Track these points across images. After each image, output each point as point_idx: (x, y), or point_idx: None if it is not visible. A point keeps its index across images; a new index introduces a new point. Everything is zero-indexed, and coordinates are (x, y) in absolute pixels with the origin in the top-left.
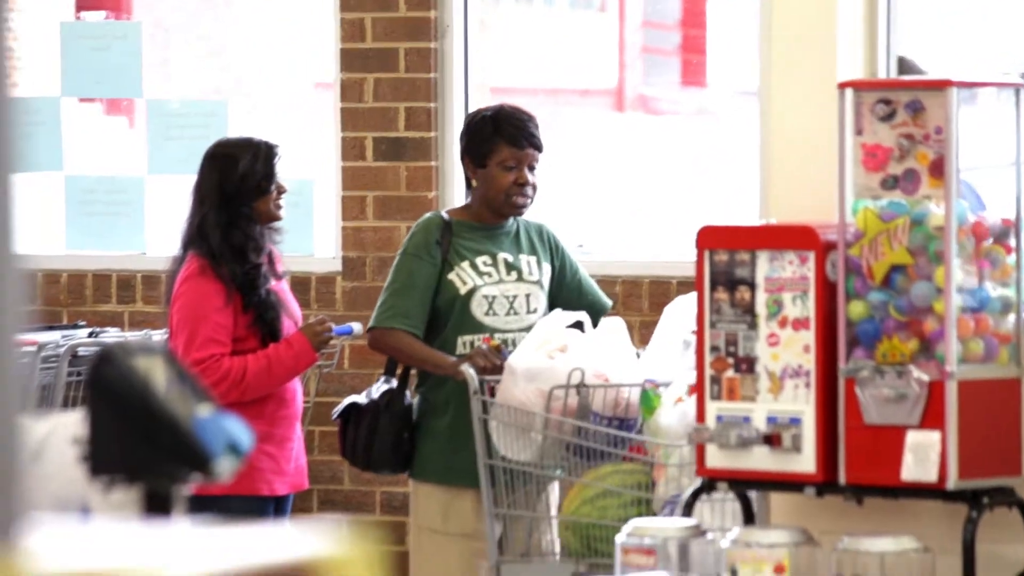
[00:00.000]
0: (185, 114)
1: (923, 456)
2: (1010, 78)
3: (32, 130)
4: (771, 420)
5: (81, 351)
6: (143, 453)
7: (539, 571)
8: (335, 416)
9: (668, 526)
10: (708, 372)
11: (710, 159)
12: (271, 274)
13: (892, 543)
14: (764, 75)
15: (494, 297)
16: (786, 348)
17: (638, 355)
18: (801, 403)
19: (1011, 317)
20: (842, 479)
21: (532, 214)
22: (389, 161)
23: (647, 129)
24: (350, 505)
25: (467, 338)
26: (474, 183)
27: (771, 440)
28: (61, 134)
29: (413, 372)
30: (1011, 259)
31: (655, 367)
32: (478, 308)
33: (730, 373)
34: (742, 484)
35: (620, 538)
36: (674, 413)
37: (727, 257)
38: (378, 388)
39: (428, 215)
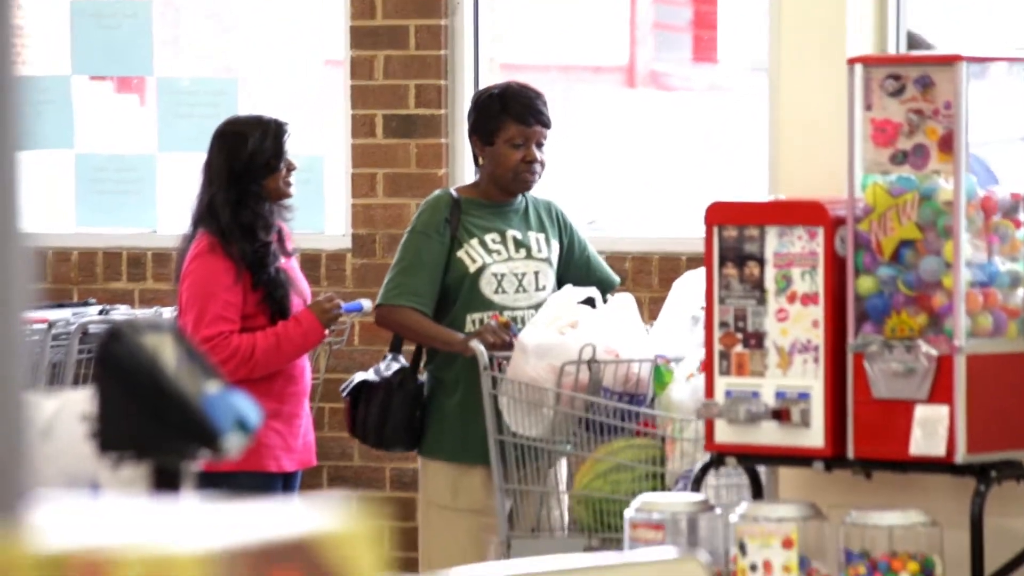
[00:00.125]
0: (195, 92)
1: (931, 430)
2: (1022, 53)
3: (42, 108)
4: (780, 395)
5: (92, 329)
6: (152, 430)
7: (550, 546)
8: (345, 394)
9: (677, 501)
10: (717, 347)
11: (722, 135)
12: (280, 252)
13: (900, 517)
14: (773, 51)
15: (503, 275)
16: (795, 323)
17: (647, 331)
18: (810, 378)
19: (1020, 291)
20: (850, 453)
21: (543, 191)
22: (399, 138)
23: (659, 105)
24: (360, 481)
25: (476, 316)
26: (482, 161)
27: (780, 415)
28: (72, 112)
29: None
30: (1020, 233)
31: (664, 342)
32: (487, 286)
33: (739, 348)
34: (751, 459)
35: (629, 513)
36: (686, 388)
37: (736, 233)
38: (387, 366)
39: (436, 192)
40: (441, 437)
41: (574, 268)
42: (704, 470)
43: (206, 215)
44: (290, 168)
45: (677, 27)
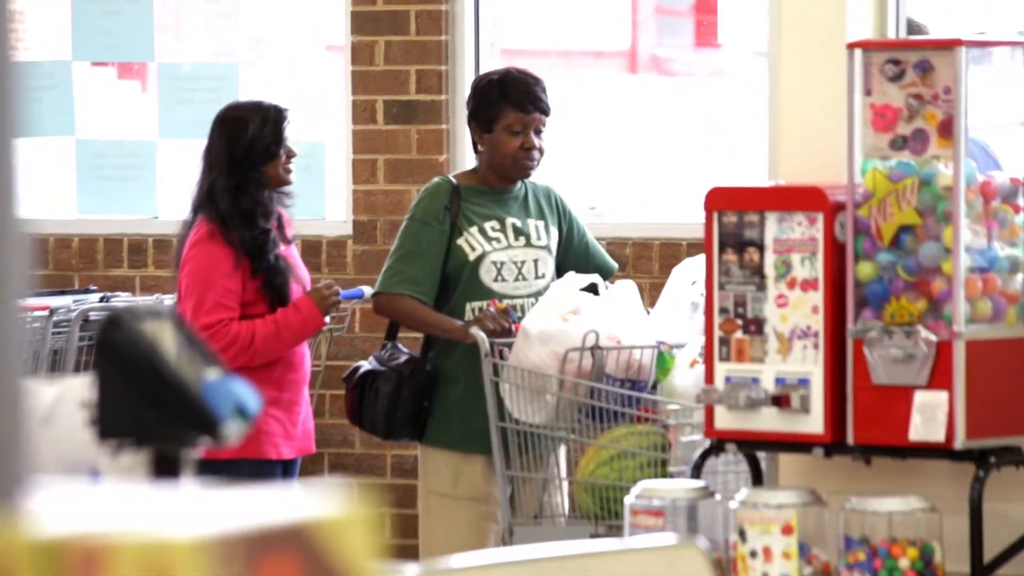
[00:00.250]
0: (196, 77)
1: (931, 416)
2: (1021, 37)
3: (43, 94)
4: (780, 381)
5: (92, 316)
6: (151, 417)
7: (553, 533)
8: (351, 384)
9: (676, 488)
10: (717, 334)
11: (724, 120)
12: (280, 238)
13: (900, 503)
14: (773, 36)
15: (503, 263)
16: (795, 309)
17: (649, 317)
18: (809, 364)
19: (1019, 277)
20: (850, 439)
21: (544, 177)
22: (400, 124)
23: (660, 91)
24: (361, 469)
25: (475, 304)
26: (480, 148)
27: (779, 401)
28: (73, 98)
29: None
30: (1019, 219)
31: (663, 328)
32: (487, 274)
33: (739, 334)
34: (751, 445)
35: (629, 500)
36: (690, 375)
37: (736, 219)
38: (390, 355)
39: (436, 180)
40: (441, 426)
41: (573, 255)
42: (704, 456)
43: (206, 202)
44: (290, 155)
45: (679, 12)
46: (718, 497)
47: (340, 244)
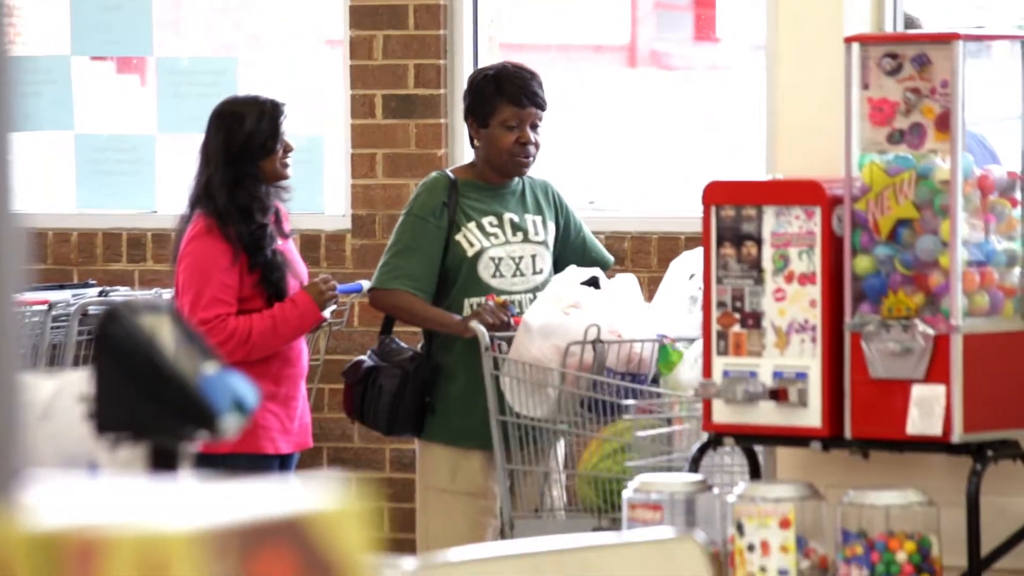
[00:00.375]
0: (195, 72)
1: (928, 410)
2: (1018, 31)
3: (42, 89)
4: (777, 375)
5: (91, 310)
6: (149, 411)
7: (555, 526)
8: (354, 380)
9: (674, 481)
10: (714, 327)
11: (723, 115)
12: (278, 233)
13: (897, 496)
14: (771, 30)
15: (500, 259)
16: (792, 303)
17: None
18: (807, 358)
19: (1016, 270)
20: (848, 433)
21: (543, 171)
22: (398, 118)
23: (660, 85)
24: (359, 463)
25: (474, 300)
26: (477, 143)
27: (777, 395)
28: (71, 93)
29: (413, 331)
30: (1017, 212)
31: (661, 322)
32: (485, 270)
33: (736, 328)
34: (748, 439)
35: (627, 493)
36: (696, 369)
37: (733, 212)
38: (393, 350)
39: (433, 175)
40: (440, 421)
41: (570, 248)
42: (702, 450)
43: (203, 196)
44: (287, 149)
45: (678, 6)
46: (716, 491)
47: (339, 238)
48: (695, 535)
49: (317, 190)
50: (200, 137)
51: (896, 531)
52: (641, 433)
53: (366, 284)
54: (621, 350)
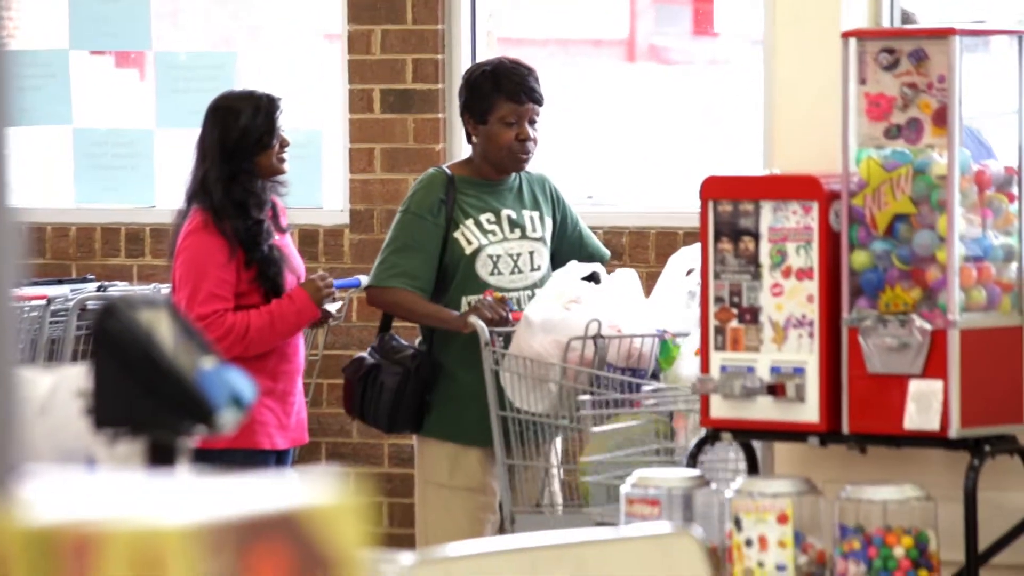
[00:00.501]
0: (193, 66)
1: (925, 405)
2: (1016, 26)
3: (41, 83)
4: (775, 370)
5: (90, 305)
6: (147, 405)
7: (556, 521)
8: (356, 378)
9: (672, 477)
10: (712, 323)
11: (722, 109)
12: (275, 228)
13: (895, 491)
14: (768, 25)
15: (499, 256)
16: (790, 298)
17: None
18: (805, 353)
19: (1013, 265)
20: (845, 428)
21: (542, 165)
22: (396, 113)
23: (658, 79)
24: (358, 458)
25: (471, 298)
26: (475, 139)
27: (775, 390)
28: (70, 87)
29: (407, 326)
30: (1013, 207)
31: (659, 317)
32: (483, 268)
33: (734, 323)
34: (746, 434)
35: (625, 488)
36: (694, 364)
37: (731, 207)
38: (390, 347)
39: (430, 171)
40: (438, 417)
41: (567, 243)
42: (699, 445)
43: (199, 192)
44: (283, 144)
45: (677, 0)
46: (714, 486)
47: (337, 233)
48: (692, 530)
49: (315, 185)
50: (198, 132)
51: (894, 526)
52: (596, 429)
53: (364, 279)
54: (622, 345)
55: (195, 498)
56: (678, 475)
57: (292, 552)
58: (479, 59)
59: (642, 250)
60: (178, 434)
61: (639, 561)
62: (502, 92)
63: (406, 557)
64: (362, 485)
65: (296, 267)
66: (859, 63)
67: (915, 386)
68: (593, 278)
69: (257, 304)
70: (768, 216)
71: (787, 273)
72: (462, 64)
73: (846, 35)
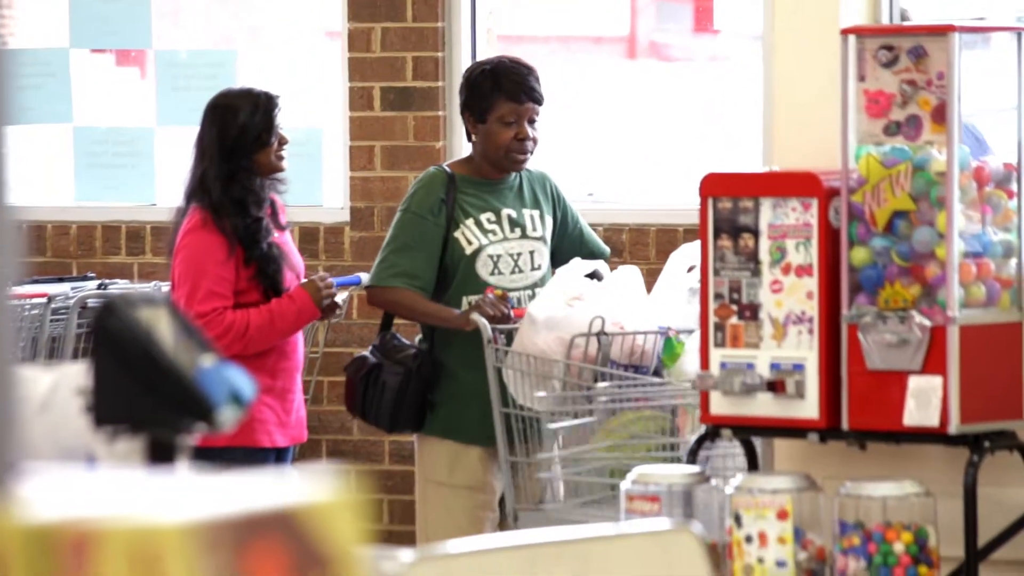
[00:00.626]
0: (194, 64)
1: (925, 401)
2: (1016, 22)
3: (41, 81)
4: (775, 367)
5: (91, 303)
6: (147, 403)
7: (559, 518)
8: (357, 378)
9: (672, 473)
10: (712, 319)
11: (723, 106)
12: (274, 226)
13: (894, 487)
14: (767, 21)
15: (499, 256)
16: (789, 295)
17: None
18: (804, 349)
19: (1013, 262)
20: (845, 425)
21: (542, 162)
22: (397, 111)
23: (659, 76)
24: (359, 455)
25: (472, 298)
26: (475, 137)
27: (775, 386)
28: (70, 85)
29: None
30: (1013, 204)
31: (661, 314)
32: (483, 268)
33: (734, 320)
34: (746, 431)
35: (625, 485)
36: (698, 360)
37: (731, 204)
38: (391, 347)
39: (431, 170)
40: (438, 415)
41: (568, 241)
42: (699, 442)
43: (198, 190)
44: (282, 142)
45: None
46: (714, 482)
47: (337, 231)
48: (692, 526)
49: (315, 183)
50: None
51: (893, 522)
52: (552, 425)
53: (365, 276)
54: (625, 342)
55: (193, 496)
56: (678, 471)
57: (290, 549)
58: (479, 57)
59: (642, 247)
60: (178, 432)
61: (639, 557)
62: (501, 91)
63: (406, 554)
64: (362, 483)
65: (295, 265)
66: (858, 60)
67: (914, 382)
68: (595, 276)
69: (256, 302)
70: (768, 213)
71: (787, 270)
72: (462, 62)
73: (845, 32)
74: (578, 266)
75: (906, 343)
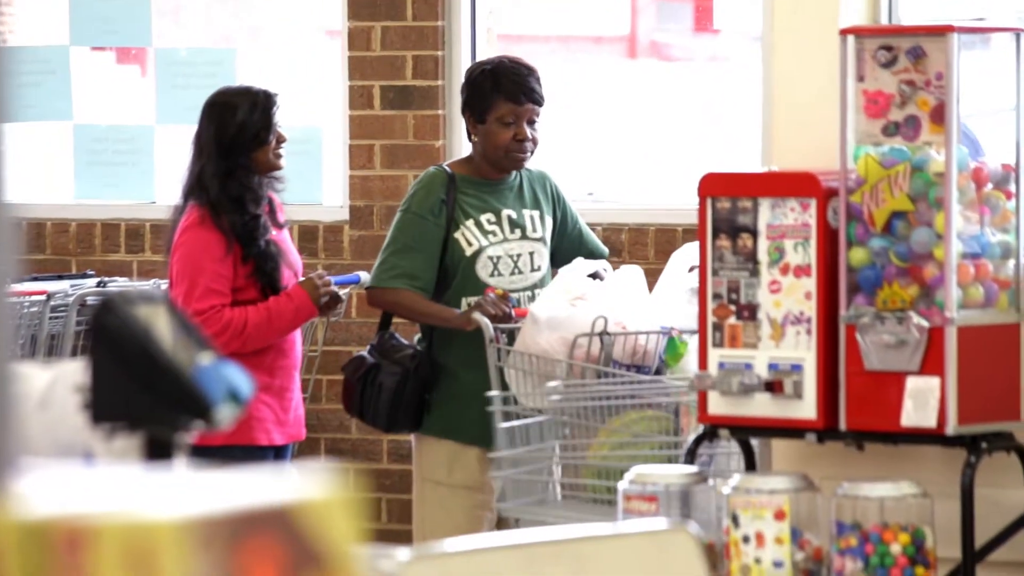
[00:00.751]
0: (194, 63)
1: (923, 402)
2: (1016, 23)
3: (41, 79)
4: (773, 367)
5: (90, 300)
6: (144, 401)
7: (559, 517)
8: (355, 378)
9: (670, 473)
10: (710, 319)
11: (723, 106)
12: (271, 223)
13: (892, 488)
14: (767, 22)
15: (499, 257)
16: (787, 295)
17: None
18: (802, 350)
19: (1011, 263)
20: (843, 425)
21: (542, 162)
22: (396, 110)
23: (660, 76)
24: (357, 454)
25: (471, 299)
26: (475, 137)
27: (772, 387)
28: (70, 83)
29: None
30: (1011, 205)
31: (663, 314)
32: (483, 269)
33: (732, 320)
34: (744, 431)
35: (622, 485)
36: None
37: (729, 204)
38: (389, 346)
39: (431, 170)
40: (437, 415)
41: (567, 240)
42: (697, 442)
43: (196, 187)
44: (280, 140)
45: None
46: (711, 483)
47: (337, 229)
48: (688, 526)
49: (315, 181)
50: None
51: (890, 523)
52: (503, 425)
53: (364, 275)
54: (627, 342)
55: (188, 492)
56: (676, 471)
57: (284, 547)
58: (479, 56)
59: (641, 247)
60: (176, 429)
61: (636, 557)
62: (501, 92)
63: (403, 553)
64: (361, 481)
65: (293, 262)
66: (857, 60)
67: (912, 383)
68: (595, 276)
69: (254, 299)
70: (766, 213)
71: (785, 270)
72: (462, 61)
73: (844, 32)
74: (581, 266)
75: (904, 344)
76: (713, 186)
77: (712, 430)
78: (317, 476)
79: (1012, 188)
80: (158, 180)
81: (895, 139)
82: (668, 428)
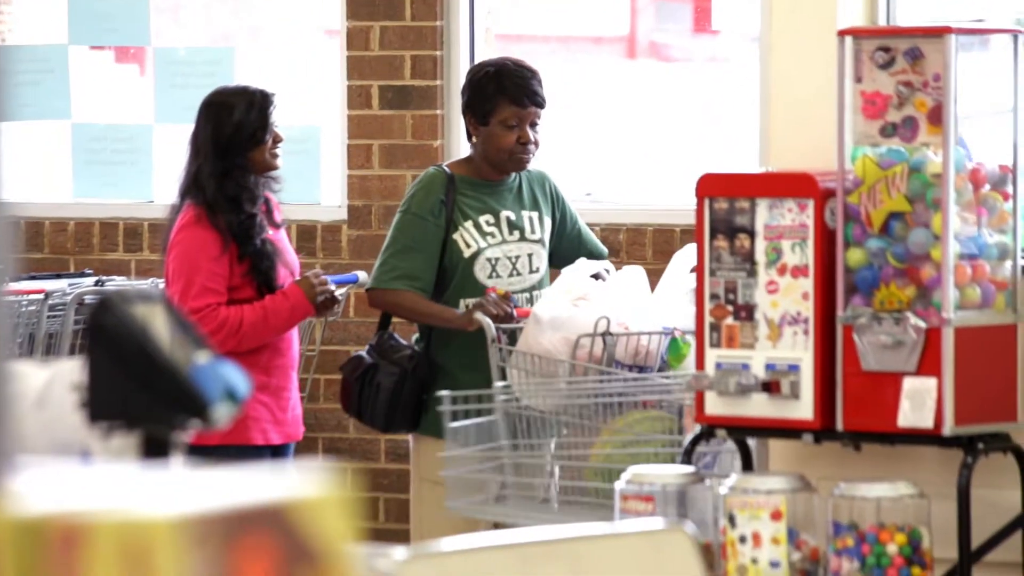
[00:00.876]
0: (192, 62)
1: (920, 402)
2: (1014, 25)
3: (40, 78)
4: (770, 367)
5: (88, 299)
6: (141, 399)
7: (559, 516)
8: (353, 378)
9: (667, 473)
10: (707, 319)
11: (722, 106)
12: (268, 223)
13: (888, 489)
14: (764, 23)
15: (497, 259)
16: (785, 295)
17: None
18: (799, 350)
19: (1008, 264)
20: (840, 426)
21: (542, 162)
22: (395, 109)
23: (659, 76)
24: (355, 453)
25: (469, 301)
26: (475, 139)
27: (770, 387)
28: (69, 82)
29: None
30: (1008, 206)
31: (663, 314)
32: (481, 271)
33: (729, 320)
34: (741, 431)
35: (619, 485)
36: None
37: (727, 205)
38: (388, 346)
39: (430, 171)
40: (435, 415)
41: (567, 241)
42: (694, 442)
43: (192, 186)
44: (277, 139)
45: None
46: (708, 483)
47: (335, 229)
48: (685, 526)
49: (313, 181)
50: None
51: (887, 523)
52: (454, 424)
53: (362, 275)
54: (629, 343)
55: (183, 490)
56: (672, 471)
57: (279, 544)
58: (478, 56)
59: (639, 247)
60: (172, 428)
61: (632, 557)
62: (505, 94)
63: (399, 552)
64: (358, 480)
65: (290, 261)
66: (855, 61)
67: (909, 384)
68: (596, 277)
69: (250, 298)
70: (764, 213)
71: (782, 270)
72: (461, 60)
73: (842, 33)
74: (583, 267)
75: (901, 344)
76: (711, 186)
77: (709, 430)
78: (312, 474)
79: (1009, 189)
80: (156, 179)
81: (893, 140)
82: (671, 428)
